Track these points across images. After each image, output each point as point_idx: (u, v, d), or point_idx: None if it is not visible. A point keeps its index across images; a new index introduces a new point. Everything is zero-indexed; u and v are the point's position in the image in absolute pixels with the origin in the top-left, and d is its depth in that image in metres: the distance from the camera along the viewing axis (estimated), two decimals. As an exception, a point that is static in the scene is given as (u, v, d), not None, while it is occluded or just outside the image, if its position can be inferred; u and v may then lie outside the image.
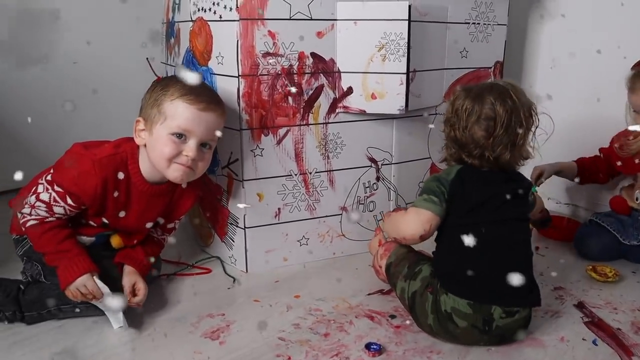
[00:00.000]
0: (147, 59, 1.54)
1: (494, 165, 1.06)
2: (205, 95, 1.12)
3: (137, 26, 1.92)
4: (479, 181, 1.07)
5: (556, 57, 1.78)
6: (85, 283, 1.07)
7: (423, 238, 1.08)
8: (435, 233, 1.09)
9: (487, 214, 1.04)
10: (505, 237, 1.05)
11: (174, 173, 1.11)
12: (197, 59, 1.34)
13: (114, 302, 1.07)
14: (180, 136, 1.09)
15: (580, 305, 1.21)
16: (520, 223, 1.08)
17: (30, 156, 1.30)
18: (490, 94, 1.04)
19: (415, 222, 1.07)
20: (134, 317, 1.12)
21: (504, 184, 1.07)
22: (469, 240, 1.03)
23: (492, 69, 1.59)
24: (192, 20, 1.34)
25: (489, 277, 1.03)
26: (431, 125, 1.47)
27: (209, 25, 1.28)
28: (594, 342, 1.07)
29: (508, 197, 1.04)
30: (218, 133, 1.14)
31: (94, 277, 1.08)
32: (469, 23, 1.49)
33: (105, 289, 1.08)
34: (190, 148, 1.10)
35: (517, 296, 1.03)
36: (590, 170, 1.56)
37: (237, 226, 1.35)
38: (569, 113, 1.72)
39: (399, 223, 1.13)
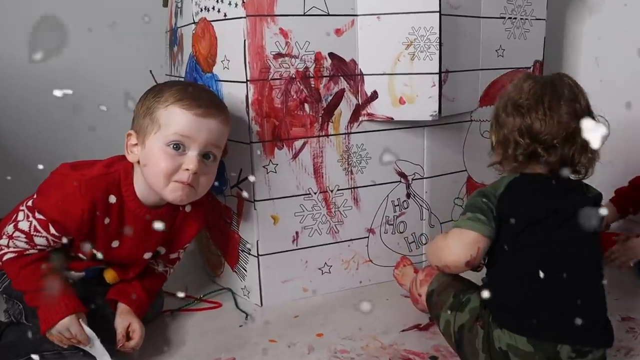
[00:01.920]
0: (150, 71, 1.46)
1: (568, 165, 0.90)
2: (204, 99, 0.99)
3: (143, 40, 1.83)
4: (536, 194, 0.91)
5: (599, 56, 1.63)
6: (69, 326, 0.91)
7: (470, 264, 0.93)
8: (485, 258, 0.94)
9: (547, 232, 0.88)
10: (571, 259, 0.88)
11: (174, 193, 0.97)
12: (200, 65, 1.21)
13: (103, 349, 0.92)
14: (178, 147, 0.96)
15: (658, 341, 1.02)
16: (589, 242, 0.90)
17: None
18: (563, 77, 0.94)
19: (458, 246, 0.92)
20: (130, 363, 0.97)
21: (568, 195, 0.91)
22: (526, 264, 0.87)
23: (531, 69, 1.43)
24: (194, 23, 1.21)
25: (553, 309, 0.86)
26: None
27: (212, 26, 1.15)
28: (687, 389, 0.88)
29: (573, 211, 0.87)
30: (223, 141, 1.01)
31: (80, 319, 0.93)
32: (504, 18, 1.34)
33: (92, 334, 0.92)
34: (190, 159, 0.96)
35: (590, 333, 0.86)
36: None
37: (249, 253, 1.20)
38: (612, 115, 1.58)
39: (439, 249, 0.97)
